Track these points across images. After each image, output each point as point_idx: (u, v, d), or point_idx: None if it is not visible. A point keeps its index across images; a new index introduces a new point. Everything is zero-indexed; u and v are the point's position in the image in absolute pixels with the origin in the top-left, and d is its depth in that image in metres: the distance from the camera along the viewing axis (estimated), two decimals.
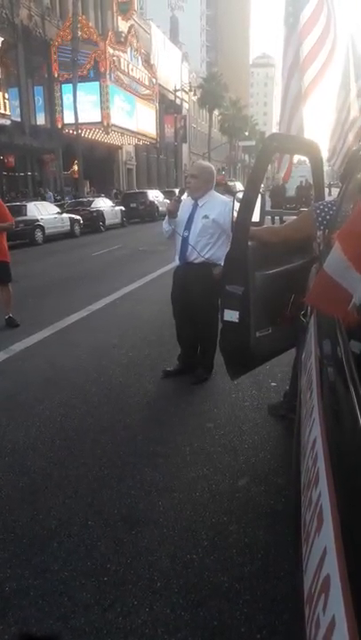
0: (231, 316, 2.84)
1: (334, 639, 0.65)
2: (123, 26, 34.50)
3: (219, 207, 3.85)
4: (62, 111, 28.37)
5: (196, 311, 4.05)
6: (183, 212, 3.95)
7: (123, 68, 31.72)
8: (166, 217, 4.06)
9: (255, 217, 2.80)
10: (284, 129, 5.06)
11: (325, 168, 5.25)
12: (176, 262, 4.12)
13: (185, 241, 3.91)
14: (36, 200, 19.55)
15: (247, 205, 2.76)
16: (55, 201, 21.51)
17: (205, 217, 3.83)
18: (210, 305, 3.88)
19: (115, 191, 29.52)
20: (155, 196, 26.29)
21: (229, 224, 3.74)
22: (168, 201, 4.20)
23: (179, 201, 3.99)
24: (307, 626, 0.80)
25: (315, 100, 4.96)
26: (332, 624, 0.67)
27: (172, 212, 3.94)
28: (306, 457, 1.19)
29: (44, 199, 21.21)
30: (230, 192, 4.74)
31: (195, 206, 3.92)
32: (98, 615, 1.90)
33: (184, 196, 4.08)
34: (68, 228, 18.20)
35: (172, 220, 3.97)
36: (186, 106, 51.43)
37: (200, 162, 4.47)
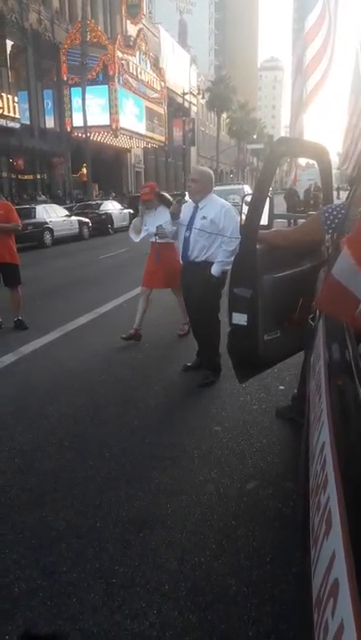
0: (239, 319, 2.84)
1: None
2: (131, 29, 34.68)
3: (216, 209, 4.02)
4: (71, 114, 28.53)
5: (195, 311, 4.22)
6: (185, 214, 4.13)
7: (131, 71, 31.86)
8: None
9: (264, 220, 2.81)
10: (292, 132, 5.11)
11: (334, 171, 5.25)
12: (182, 262, 4.31)
13: (186, 241, 4.08)
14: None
15: (255, 209, 2.77)
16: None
17: (204, 218, 4.00)
18: (209, 305, 4.01)
19: (113, 194, 29.17)
20: None
21: (224, 225, 3.93)
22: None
23: (181, 203, 4.14)
24: (315, 630, 0.81)
25: (317, 106, 5.01)
26: (340, 628, 0.67)
27: (175, 214, 4.14)
28: (314, 461, 1.19)
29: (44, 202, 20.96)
30: (165, 203, 4.87)
31: (195, 208, 4.09)
32: (106, 617, 1.91)
33: (186, 197, 4.23)
34: (77, 230, 18.28)
35: (176, 222, 4.17)
36: (194, 109, 51.54)
37: (199, 167, 4.66)
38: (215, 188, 4.24)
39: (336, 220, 2.63)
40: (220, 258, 3.93)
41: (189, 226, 4.05)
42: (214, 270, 3.94)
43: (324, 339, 1.70)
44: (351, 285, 1.28)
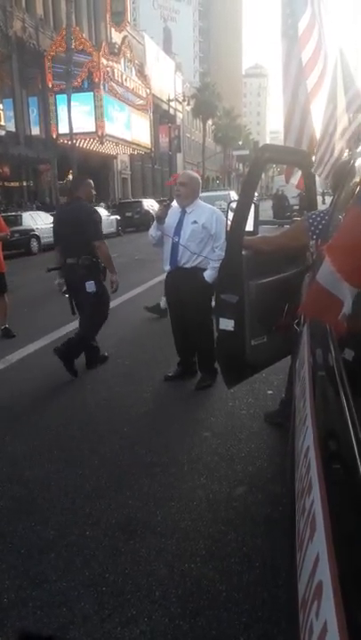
0: (226, 324, 2.86)
1: None
2: (116, 37, 34.82)
3: (206, 214, 3.99)
4: (57, 121, 28.49)
5: (191, 315, 4.14)
6: (171, 219, 4.04)
7: (116, 78, 31.95)
8: (153, 224, 4.13)
9: (249, 226, 2.84)
10: (293, 141, 5.10)
11: (318, 178, 5.30)
12: (166, 268, 4.18)
13: (175, 245, 4.00)
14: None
15: (241, 215, 2.80)
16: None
17: (195, 222, 3.96)
18: (204, 308, 3.98)
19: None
20: (150, 205, 26.39)
21: (216, 230, 3.90)
22: None
23: (168, 206, 4.08)
24: (301, 632, 0.82)
25: (316, 109, 5.06)
26: (324, 630, 0.69)
27: (161, 218, 4.03)
28: (299, 465, 1.21)
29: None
30: None
31: (183, 213, 4.04)
32: (97, 625, 1.90)
33: (173, 203, 4.17)
34: None
35: (160, 226, 4.05)
36: (180, 116, 51.85)
37: (188, 171, 4.61)
38: (202, 195, 4.21)
39: (320, 226, 2.67)
40: (213, 263, 3.85)
41: (177, 230, 3.99)
42: (208, 276, 3.91)
43: (308, 343, 1.72)
44: (334, 291, 1.31)
